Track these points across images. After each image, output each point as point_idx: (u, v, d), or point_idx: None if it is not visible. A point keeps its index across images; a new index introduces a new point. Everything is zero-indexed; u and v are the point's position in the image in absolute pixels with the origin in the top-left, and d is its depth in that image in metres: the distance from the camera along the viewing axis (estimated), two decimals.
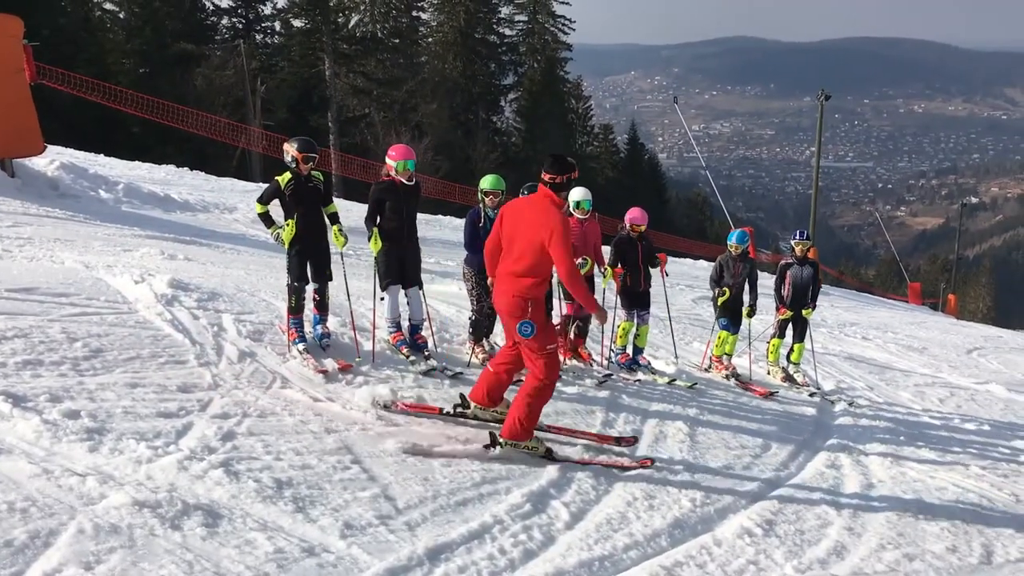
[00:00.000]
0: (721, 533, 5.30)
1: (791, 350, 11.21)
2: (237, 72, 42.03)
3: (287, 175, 7.45)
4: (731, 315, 10.76)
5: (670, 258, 29.25)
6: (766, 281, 14.54)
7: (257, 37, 49.39)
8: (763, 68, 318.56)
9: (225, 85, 41.69)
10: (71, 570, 3.65)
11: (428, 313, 8.57)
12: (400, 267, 8.10)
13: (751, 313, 10.64)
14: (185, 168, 24.35)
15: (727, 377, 10.53)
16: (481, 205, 8.32)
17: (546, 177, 5.98)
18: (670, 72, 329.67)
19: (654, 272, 10.07)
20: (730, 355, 10.86)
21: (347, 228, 7.79)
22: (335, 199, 8.11)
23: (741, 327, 10.96)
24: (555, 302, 9.19)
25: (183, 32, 42.31)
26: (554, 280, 7.63)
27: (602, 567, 4.57)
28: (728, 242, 10.83)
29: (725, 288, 10.64)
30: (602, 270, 9.25)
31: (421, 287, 8.33)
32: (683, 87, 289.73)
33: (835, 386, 11.23)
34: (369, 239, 7.80)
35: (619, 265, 9.80)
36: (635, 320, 9.95)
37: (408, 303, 8.25)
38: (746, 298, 10.76)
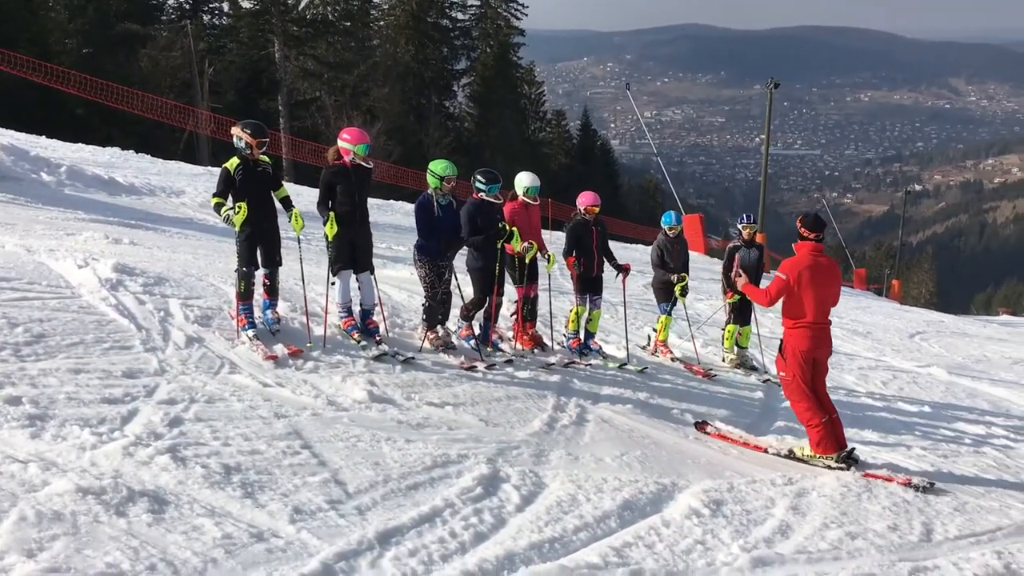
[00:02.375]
0: (670, 514, 5.36)
1: (739, 334, 11.36)
2: (184, 53, 41.24)
3: (235, 160, 7.35)
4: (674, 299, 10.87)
5: (620, 244, 29.46)
6: (712, 265, 14.69)
7: (204, 18, 48.58)
8: (715, 56, 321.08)
9: (172, 67, 40.89)
10: (13, 558, 3.59)
11: (380, 298, 8.54)
12: (351, 252, 8.05)
13: (684, 291, 10.73)
14: (131, 151, 23.82)
15: (673, 360, 10.64)
16: (432, 191, 8.28)
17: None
18: (622, 59, 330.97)
19: (616, 279, 10.15)
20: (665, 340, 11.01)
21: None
22: (285, 183, 8.01)
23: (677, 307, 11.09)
24: (506, 287, 9.23)
25: (128, 12, 41.41)
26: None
27: (552, 549, 4.60)
28: (664, 225, 10.92)
29: (684, 275, 10.74)
30: (545, 255, 9.25)
31: (373, 272, 8.29)
32: (635, 74, 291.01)
33: None
34: (325, 223, 7.73)
35: (573, 252, 9.81)
36: (587, 305, 9.99)
37: (359, 288, 8.21)
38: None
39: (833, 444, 6.85)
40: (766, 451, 7.21)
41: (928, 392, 11.46)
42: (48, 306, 7.01)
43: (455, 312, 8.95)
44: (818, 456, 6.90)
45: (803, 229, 6.98)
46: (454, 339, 8.75)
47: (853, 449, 6.97)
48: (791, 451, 7.13)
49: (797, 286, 6.77)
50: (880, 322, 20.85)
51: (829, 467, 6.81)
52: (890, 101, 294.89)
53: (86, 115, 34.99)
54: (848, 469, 6.77)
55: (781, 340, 7.06)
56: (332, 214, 7.72)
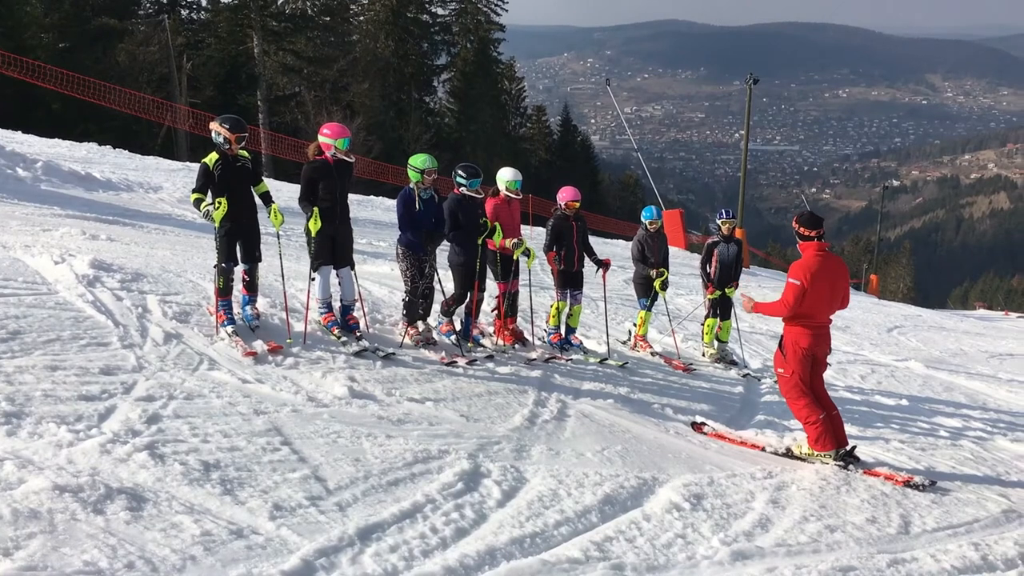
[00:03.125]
0: (650, 508, 5.38)
1: (719, 328, 11.40)
2: (162, 48, 40.90)
3: (214, 155, 7.31)
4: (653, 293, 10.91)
5: (601, 239, 29.51)
6: (692, 260, 14.74)
7: (182, 12, 48.16)
8: (695, 51, 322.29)
9: (149, 61, 40.52)
10: None
11: (360, 294, 8.51)
12: (332, 248, 8.01)
13: (663, 286, 10.77)
14: (108, 146, 23.63)
15: (653, 355, 10.67)
16: (413, 185, 8.26)
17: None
18: (603, 55, 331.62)
19: (596, 274, 10.16)
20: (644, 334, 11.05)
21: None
22: (264, 178, 7.97)
23: (657, 302, 11.12)
24: (487, 282, 9.22)
25: (104, 6, 40.92)
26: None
27: (534, 544, 4.60)
28: (644, 219, 10.95)
29: (663, 269, 10.77)
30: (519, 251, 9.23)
31: (353, 268, 8.26)
32: (616, 70, 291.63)
33: (762, 364, 11.45)
34: (309, 219, 7.69)
35: (554, 247, 9.82)
36: (568, 300, 10.00)
37: (340, 284, 8.18)
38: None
39: (832, 441, 6.86)
40: (763, 449, 7.21)
41: (906, 386, 11.54)
42: (24, 303, 6.95)
43: (436, 307, 8.93)
44: (816, 453, 6.91)
45: (803, 228, 6.88)
46: (435, 335, 8.74)
47: (854, 447, 6.97)
48: (789, 449, 7.14)
49: (810, 287, 6.75)
50: (858, 316, 20.98)
51: (827, 464, 6.82)
52: (868, 97, 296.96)
53: (62, 110, 34.63)
54: (847, 467, 6.78)
55: (781, 336, 7.05)
56: (316, 209, 7.68)
